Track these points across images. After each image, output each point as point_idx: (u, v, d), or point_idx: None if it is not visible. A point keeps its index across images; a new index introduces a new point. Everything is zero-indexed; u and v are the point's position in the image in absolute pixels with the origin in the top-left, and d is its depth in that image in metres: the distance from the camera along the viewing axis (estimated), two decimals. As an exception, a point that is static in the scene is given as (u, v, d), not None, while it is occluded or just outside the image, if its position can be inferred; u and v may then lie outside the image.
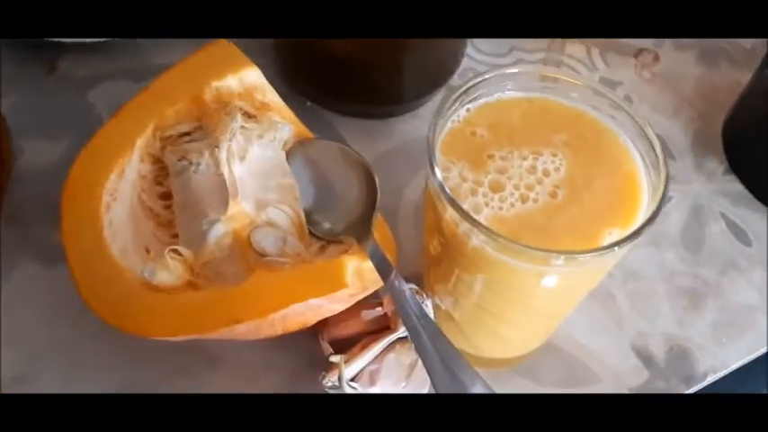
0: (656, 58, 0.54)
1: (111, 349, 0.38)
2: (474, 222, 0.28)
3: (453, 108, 0.33)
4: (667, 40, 0.55)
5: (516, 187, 0.31)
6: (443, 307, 0.37)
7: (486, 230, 0.28)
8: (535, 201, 0.31)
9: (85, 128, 0.46)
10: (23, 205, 0.44)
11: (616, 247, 0.29)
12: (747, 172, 0.48)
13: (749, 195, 0.48)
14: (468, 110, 0.34)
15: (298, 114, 0.47)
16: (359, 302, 0.37)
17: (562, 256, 0.28)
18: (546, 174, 0.32)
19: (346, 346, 0.37)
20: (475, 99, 0.34)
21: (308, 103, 0.49)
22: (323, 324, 0.37)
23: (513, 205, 0.31)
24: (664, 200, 0.30)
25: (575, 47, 0.54)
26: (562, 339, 0.41)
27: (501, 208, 0.31)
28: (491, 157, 0.32)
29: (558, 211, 0.31)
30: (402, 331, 0.37)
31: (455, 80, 0.51)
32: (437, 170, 0.30)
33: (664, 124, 0.51)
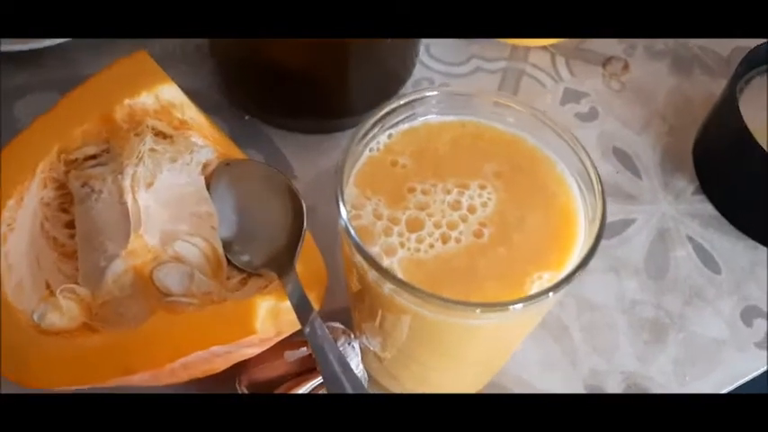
0: (626, 66, 0.51)
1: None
2: (380, 270, 0.25)
3: (372, 133, 0.30)
4: (639, 48, 0.52)
5: (437, 225, 0.28)
6: (372, 348, 0.34)
7: (394, 280, 0.25)
8: (458, 241, 0.28)
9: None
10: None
11: (550, 293, 0.25)
12: (718, 192, 0.45)
13: (720, 217, 0.45)
14: (389, 136, 0.30)
15: (235, 129, 0.44)
16: (282, 341, 0.33)
17: (478, 309, 0.25)
18: (471, 210, 0.28)
19: (268, 389, 0.34)
20: (398, 123, 0.30)
21: (247, 117, 0.46)
22: (242, 366, 0.34)
23: (432, 246, 0.27)
24: (598, 241, 0.27)
25: (538, 55, 0.51)
26: (507, 377, 0.38)
27: (418, 250, 0.27)
28: (412, 190, 0.29)
29: (484, 253, 0.27)
30: (326, 375, 0.33)
31: (408, 90, 0.48)
32: (342, 208, 0.26)
33: (632, 139, 0.47)
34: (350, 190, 0.28)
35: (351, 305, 0.34)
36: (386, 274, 0.25)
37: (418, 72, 0.48)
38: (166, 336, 0.29)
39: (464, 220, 0.28)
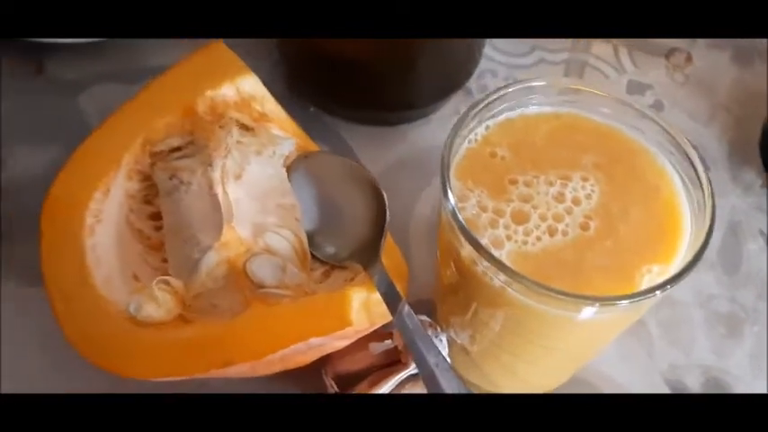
0: (689, 58, 0.50)
1: (99, 381, 0.35)
2: (495, 262, 0.25)
3: (471, 126, 0.29)
4: (700, 39, 0.51)
5: (543, 218, 0.28)
6: (459, 341, 0.34)
7: (510, 272, 0.25)
8: (564, 234, 0.27)
9: (74, 134, 0.43)
10: (8, 221, 0.41)
11: (658, 292, 0.25)
12: (789, 185, 0.45)
13: (790, 210, 0.44)
14: (487, 127, 0.30)
15: (300, 120, 0.44)
16: (367, 334, 0.33)
17: (597, 303, 0.25)
18: (576, 202, 0.28)
19: (353, 382, 0.34)
20: (495, 115, 0.30)
21: (312, 109, 0.46)
22: (327, 358, 0.34)
23: (539, 239, 0.27)
24: (710, 233, 0.26)
25: (601, 46, 0.50)
26: (587, 371, 0.38)
27: (525, 242, 0.27)
28: (513, 182, 0.29)
29: (591, 246, 0.27)
30: (414, 368, 0.33)
31: (472, 83, 0.47)
32: (452, 199, 0.26)
33: (699, 131, 0.47)
34: (452, 182, 0.28)
35: (438, 298, 0.34)
36: (501, 265, 0.25)
37: (481, 63, 0.48)
38: (266, 327, 0.29)
39: (569, 212, 0.28)
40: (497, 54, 0.49)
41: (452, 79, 0.46)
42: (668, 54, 0.51)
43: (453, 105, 0.47)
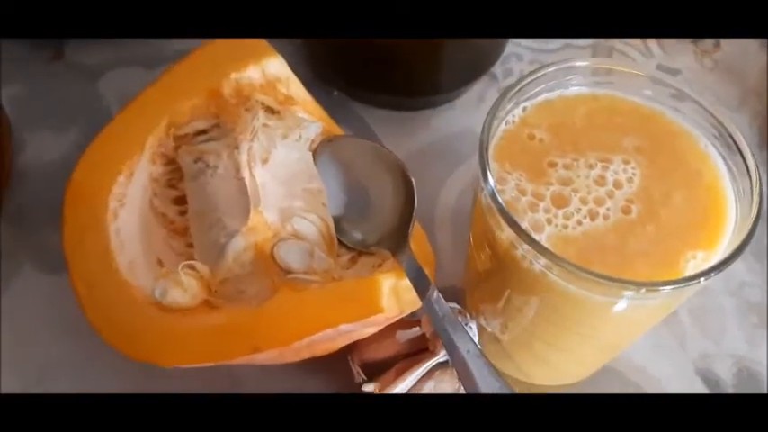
0: (717, 44, 0.49)
1: (122, 368, 0.34)
2: (537, 246, 0.24)
3: (508, 107, 0.28)
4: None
5: (583, 201, 0.27)
6: (489, 329, 0.33)
7: (551, 255, 0.24)
8: (606, 218, 0.27)
9: (94, 119, 0.43)
10: (25, 206, 0.40)
11: (702, 279, 0.24)
12: (822, 172, 0.44)
13: (823, 199, 0.43)
14: (524, 109, 0.29)
15: (324, 105, 0.43)
16: (393, 322, 0.33)
17: (643, 288, 0.24)
18: (617, 185, 0.27)
19: (380, 369, 0.33)
20: (533, 96, 0.29)
21: (336, 93, 0.45)
22: (353, 346, 0.33)
23: (580, 223, 0.26)
24: (758, 219, 0.25)
25: (627, 31, 0.49)
26: (618, 361, 0.37)
27: (566, 226, 0.26)
28: (553, 165, 0.28)
29: (632, 230, 0.26)
30: (442, 355, 0.33)
31: (497, 67, 0.47)
32: (491, 181, 0.25)
33: (729, 118, 0.46)
34: (490, 164, 0.27)
35: (468, 285, 0.34)
36: (542, 249, 0.24)
37: (507, 48, 0.47)
38: (295, 313, 0.29)
39: (610, 196, 0.27)
40: (523, 38, 0.48)
41: (478, 64, 0.45)
42: (695, 39, 0.49)
43: (478, 90, 0.46)
